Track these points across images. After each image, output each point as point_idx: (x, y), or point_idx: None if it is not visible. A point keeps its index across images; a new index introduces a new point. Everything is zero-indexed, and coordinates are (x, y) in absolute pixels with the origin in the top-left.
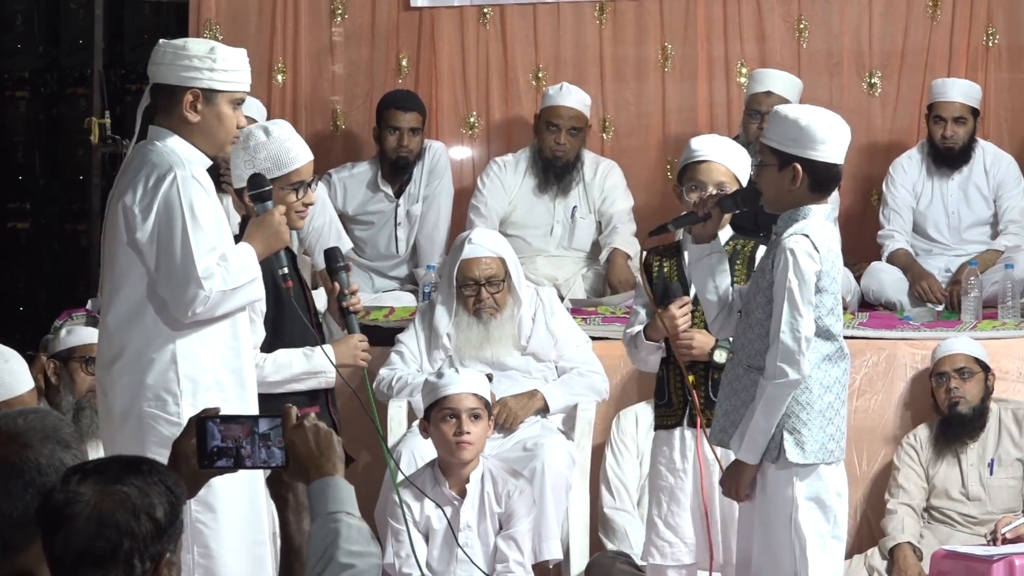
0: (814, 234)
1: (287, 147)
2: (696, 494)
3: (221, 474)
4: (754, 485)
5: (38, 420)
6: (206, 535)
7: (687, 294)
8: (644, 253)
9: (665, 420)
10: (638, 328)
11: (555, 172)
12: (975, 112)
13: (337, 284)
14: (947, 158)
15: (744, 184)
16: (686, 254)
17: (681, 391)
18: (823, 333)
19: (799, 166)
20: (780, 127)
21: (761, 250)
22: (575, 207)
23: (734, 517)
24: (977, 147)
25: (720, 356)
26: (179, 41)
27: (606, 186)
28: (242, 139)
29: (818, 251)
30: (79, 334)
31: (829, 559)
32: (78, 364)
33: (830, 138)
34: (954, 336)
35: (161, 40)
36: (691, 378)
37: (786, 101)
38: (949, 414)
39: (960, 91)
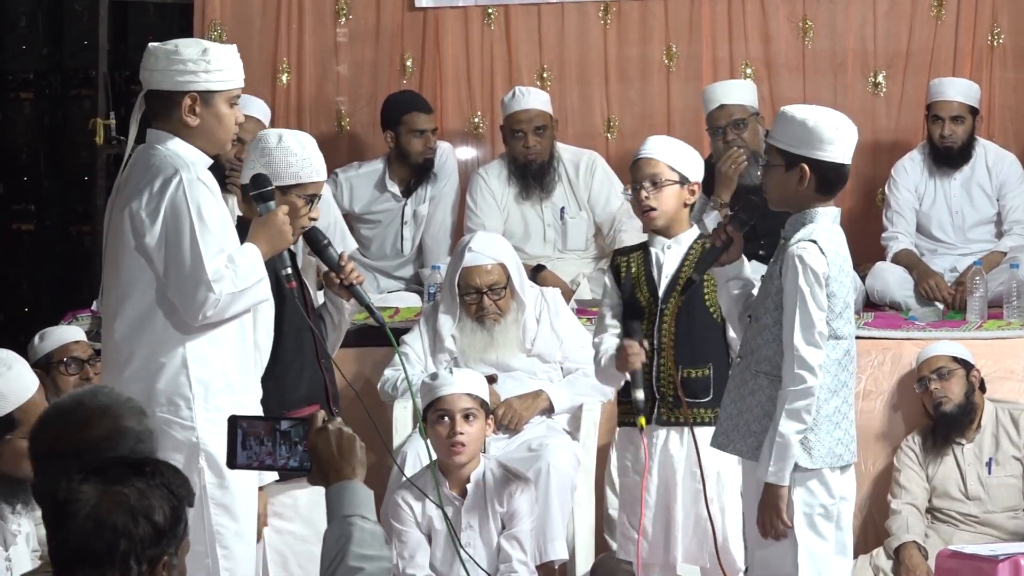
0: (821, 239)
1: (314, 160)
2: (661, 493)
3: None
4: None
5: (107, 396)
6: (227, 537)
7: (656, 294)
8: (613, 255)
9: (630, 417)
10: (607, 353)
11: (533, 175)
12: (974, 111)
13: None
14: (947, 157)
15: (685, 173)
16: (653, 252)
17: (649, 389)
18: (831, 336)
19: (806, 167)
20: (787, 127)
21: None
22: (563, 207)
23: (702, 517)
24: (978, 146)
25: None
26: (170, 45)
27: (594, 182)
28: (273, 140)
29: (825, 255)
30: (52, 338)
31: (829, 566)
32: (57, 367)
33: (838, 138)
34: (947, 337)
35: (151, 45)
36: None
37: (744, 108)
38: (936, 415)
39: (958, 90)
